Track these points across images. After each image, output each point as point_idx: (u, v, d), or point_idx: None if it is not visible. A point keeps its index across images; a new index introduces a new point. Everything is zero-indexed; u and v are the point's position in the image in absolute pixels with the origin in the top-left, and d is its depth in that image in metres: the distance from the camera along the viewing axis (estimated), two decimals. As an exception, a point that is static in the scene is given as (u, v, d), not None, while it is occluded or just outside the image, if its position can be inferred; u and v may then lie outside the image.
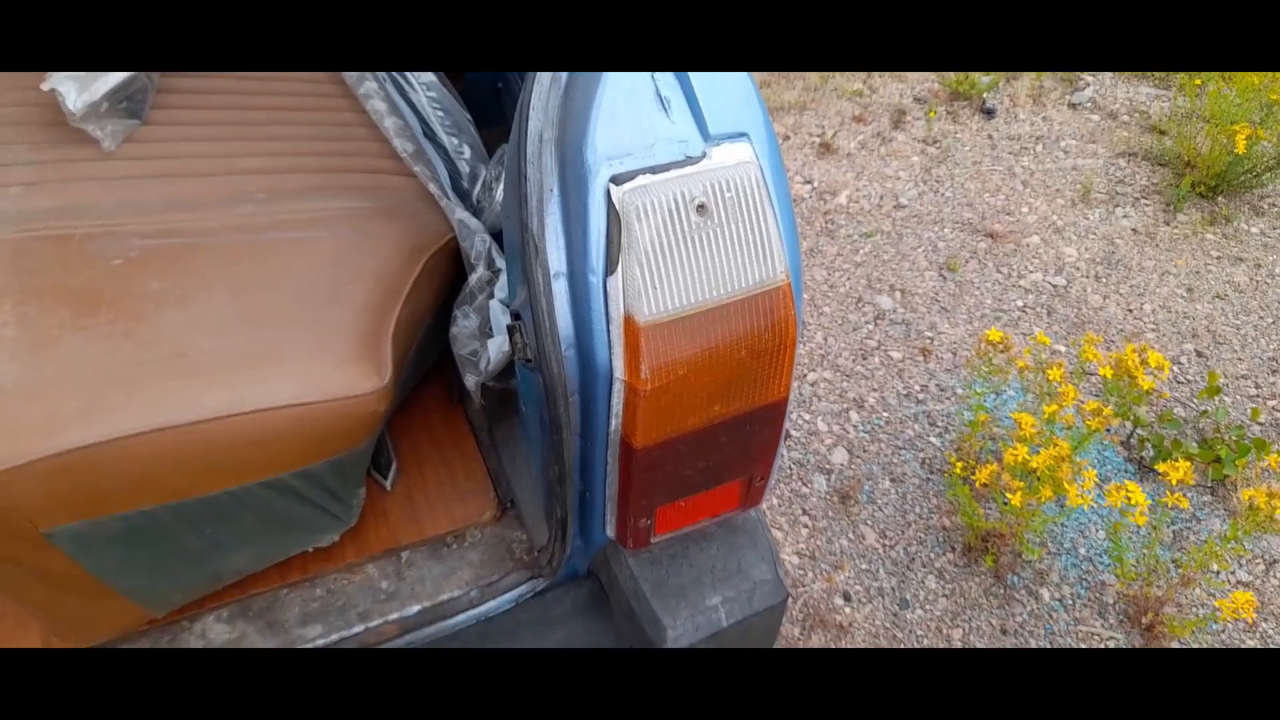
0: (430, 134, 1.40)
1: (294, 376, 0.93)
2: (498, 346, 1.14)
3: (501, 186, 1.28)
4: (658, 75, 0.89)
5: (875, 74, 3.47)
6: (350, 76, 1.42)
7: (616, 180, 0.85)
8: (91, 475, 0.85)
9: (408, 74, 1.47)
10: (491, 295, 1.20)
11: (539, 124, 0.87)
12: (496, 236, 1.25)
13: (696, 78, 0.88)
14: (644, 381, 0.86)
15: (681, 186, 0.85)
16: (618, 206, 0.84)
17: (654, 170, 0.85)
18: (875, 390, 2.41)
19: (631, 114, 0.87)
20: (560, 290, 0.87)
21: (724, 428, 0.95)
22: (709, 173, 0.87)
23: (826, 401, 2.38)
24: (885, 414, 2.36)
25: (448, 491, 1.20)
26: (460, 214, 1.24)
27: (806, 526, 2.14)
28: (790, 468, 2.23)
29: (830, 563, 2.04)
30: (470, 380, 1.14)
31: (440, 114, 1.44)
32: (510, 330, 0.94)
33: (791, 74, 3.42)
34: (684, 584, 1.05)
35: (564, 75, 0.89)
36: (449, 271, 1.20)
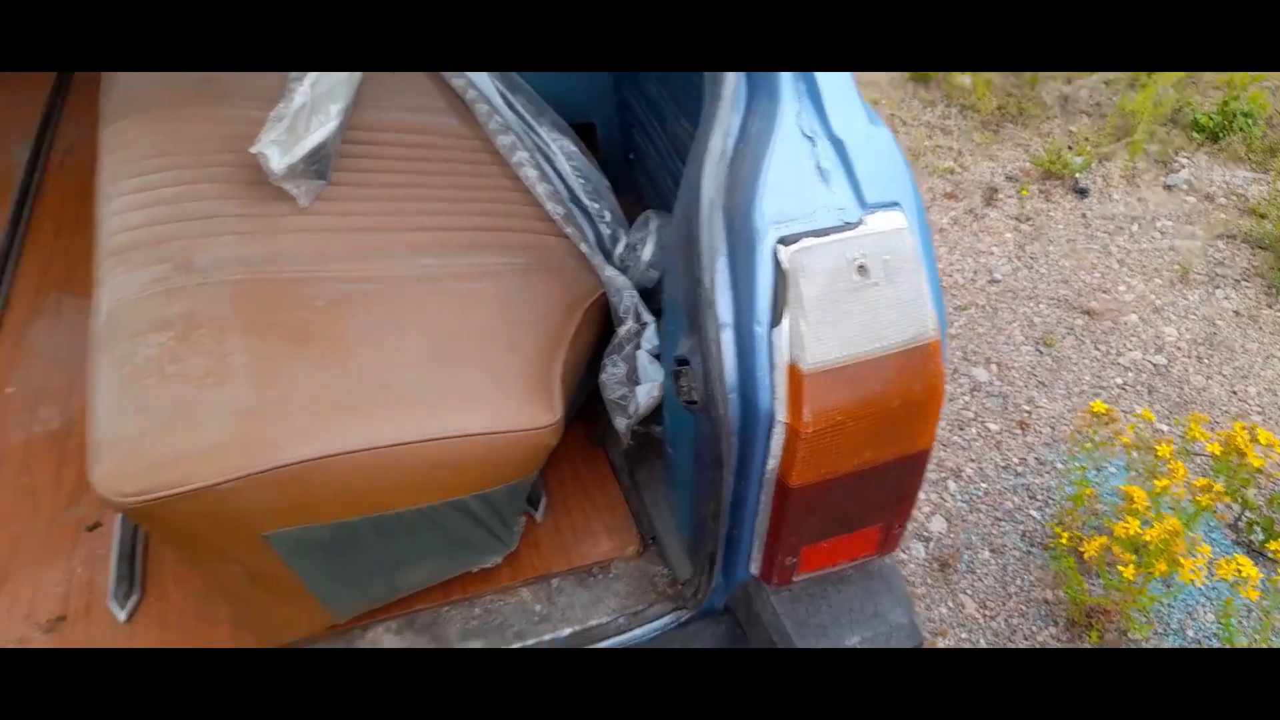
0: (575, 199, 1.53)
1: (482, 409, 1.04)
2: (646, 392, 1.23)
3: (648, 248, 1.39)
4: (818, 148, 0.99)
5: (966, 153, 3.55)
6: (503, 145, 1.56)
7: (784, 242, 0.94)
8: (308, 487, 0.96)
9: (551, 145, 1.61)
10: (638, 346, 1.30)
11: (710, 193, 0.97)
12: (642, 293, 1.36)
13: (854, 151, 0.98)
14: (805, 425, 0.94)
15: (843, 249, 0.94)
16: (785, 266, 0.94)
17: (817, 234, 0.95)
18: (973, 461, 2.43)
19: (795, 184, 0.97)
20: (728, 340, 0.96)
21: (873, 473, 1.02)
22: (867, 237, 0.96)
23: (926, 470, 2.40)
24: (984, 485, 2.37)
25: (593, 525, 1.28)
26: (609, 272, 1.35)
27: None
28: (888, 533, 2.25)
29: (930, 629, 2.05)
30: (620, 423, 1.24)
31: (582, 181, 1.57)
32: (676, 375, 1.03)
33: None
34: (824, 623, 1.10)
35: (730, 149, 0.99)
36: (599, 323, 1.31)
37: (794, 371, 0.94)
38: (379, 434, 0.98)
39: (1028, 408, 2.56)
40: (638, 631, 1.15)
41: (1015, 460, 2.43)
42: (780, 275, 0.94)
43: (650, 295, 1.37)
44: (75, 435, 1.43)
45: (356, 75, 1.48)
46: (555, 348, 1.17)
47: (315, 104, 1.35)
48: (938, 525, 2.28)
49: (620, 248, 1.46)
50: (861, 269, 0.95)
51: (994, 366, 2.68)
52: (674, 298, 1.07)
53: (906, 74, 3.97)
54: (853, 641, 1.09)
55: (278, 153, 1.30)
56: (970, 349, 2.74)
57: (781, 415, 0.96)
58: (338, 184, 1.38)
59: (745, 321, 0.96)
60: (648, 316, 1.31)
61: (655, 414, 1.27)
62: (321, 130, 1.36)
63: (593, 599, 1.20)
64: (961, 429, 2.51)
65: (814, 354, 0.93)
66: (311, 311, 1.12)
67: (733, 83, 1.01)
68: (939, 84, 3.94)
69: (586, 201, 1.54)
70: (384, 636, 1.16)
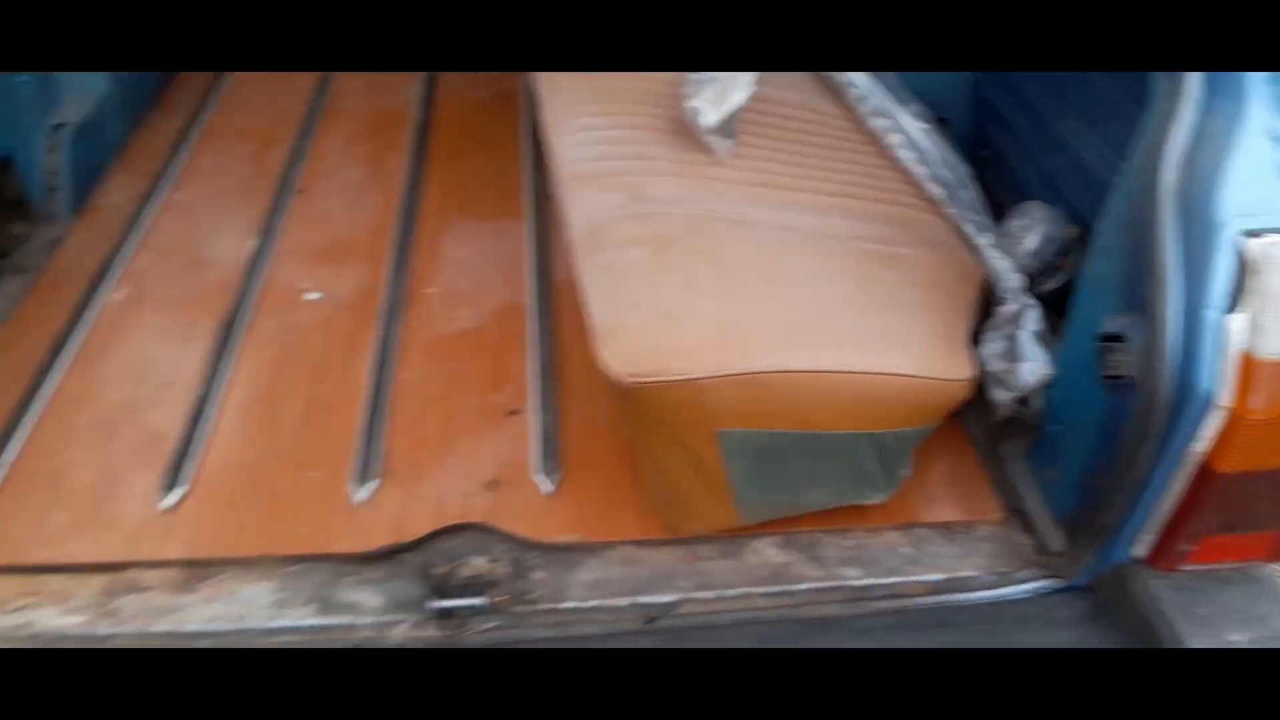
0: (945, 183, 1.62)
1: (910, 355, 1.17)
2: (1031, 371, 1.30)
3: (1033, 238, 1.47)
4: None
5: None
6: (876, 127, 1.66)
7: (1249, 234, 1.00)
8: (767, 395, 1.11)
9: (917, 133, 1.70)
10: (1018, 327, 1.37)
11: (1170, 182, 1.04)
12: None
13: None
14: (1252, 412, 1.00)
15: (1310, 249, 0.99)
16: (1252, 257, 1.00)
17: (1284, 231, 1.00)
18: None
19: (1258, 181, 1.03)
20: (1175, 320, 1.03)
21: (1298, 476, 1.06)
22: (1335, 240, 1.00)
23: None
24: None
25: (953, 489, 1.39)
26: (993, 253, 1.43)
27: None
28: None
29: None
30: (1002, 395, 1.32)
31: (948, 170, 1.66)
32: (1102, 350, 1.11)
33: None
34: (1206, 616, 1.16)
35: (1190, 127, 1.05)
36: (981, 300, 1.40)
37: (1247, 359, 1.00)
38: (826, 360, 1.13)
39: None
40: (1006, 590, 1.24)
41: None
42: (1243, 266, 1.00)
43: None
44: (488, 331, 1.66)
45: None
46: (960, 313, 1.27)
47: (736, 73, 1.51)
48: None
49: (989, 236, 1.54)
50: (1330, 272, 0.99)
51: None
52: (1105, 277, 1.14)
53: None
54: (1235, 639, 1.13)
55: (710, 108, 1.46)
56: None
57: (1225, 400, 1.02)
58: (744, 145, 1.53)
59: (1194, 306, 1.02)
60: (1031, 300, 1.39)
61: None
62: (741, 94, 1.51)
63: (959, 553, 1.30)
64: None
65: (1273, 345, 0.99)
66: (751, 249, 1.27)
67: (1195, 82, 1.07)
68: None
69: (955, 187, 1.62)
70: (768, 550, 1.30)
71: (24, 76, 1.88)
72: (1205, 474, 1.06)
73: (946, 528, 1.33)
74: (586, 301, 1.17)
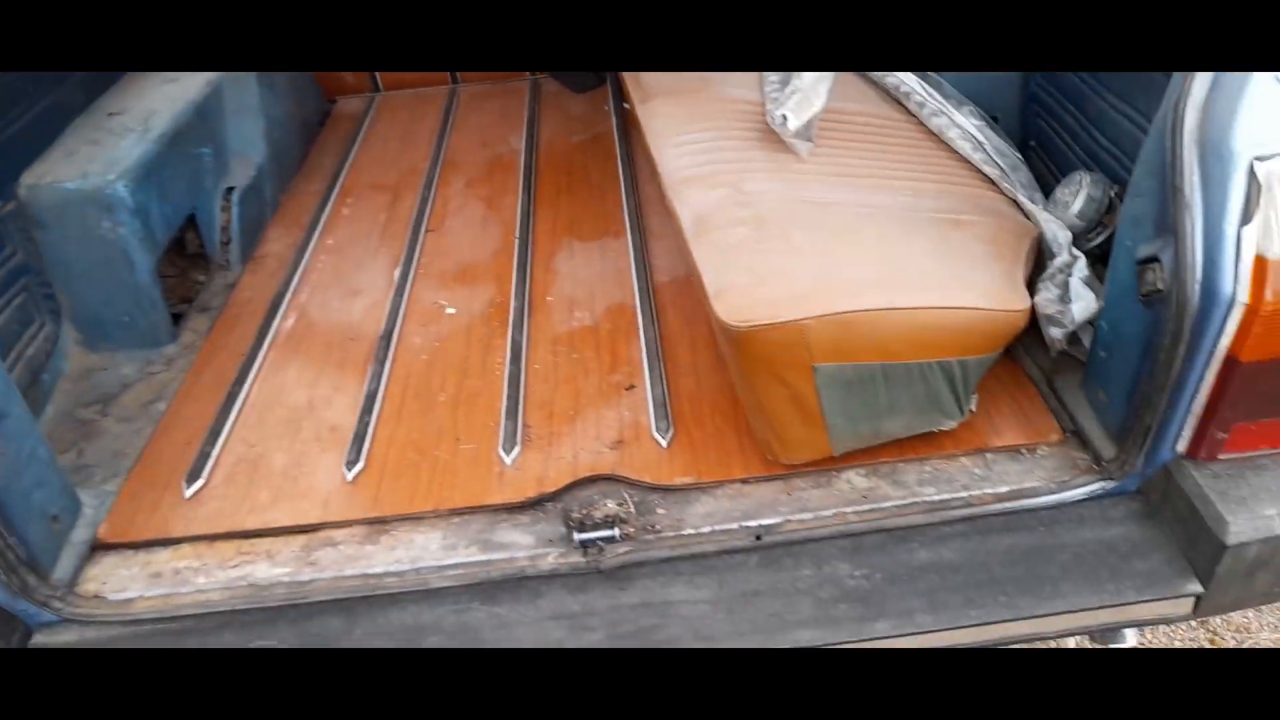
0: (1000, 166, 1.82)
1: (974, 292, 1.38)
2: (1083, 309, 1.49)
3: (1079, 200, 1.65)
4: (1287, 84, 1.21)
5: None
6: (937, 126, 1.89)
7: (1260, 159, 1.18)
8: (853, 331, 1.33)
9: (973, 128, 1.92)
10: (1069, 275, 1.56)
11: (1192, 123, 1.23)
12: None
13: (1321, 91, 1.19)
14: (1266, 303, 1.17)
15: (1312, 168, 1.16)
16: (1261, 178, 1.17)
17: (1288, 155, 1.17)
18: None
19: (1265, 117, 1.20)
20: (1199, 236, 1.20)
21: (1315, 362, 1.21)
22: (1332, 160, 1.17)
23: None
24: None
25: (1017, 418, 1.56)
26: (1044, 215, 1.62)
27: None
28: None
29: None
30: (1056, 332, 1.50)
31: (1001, 156, 1.86)
32: (1140, 273, 1.29)
33: None
34: (1244, 495, 1.30)
35: (1208, 81, 1.23)
36: (1035, 256, 1.59)
37: (1260, 260, 1.17)
38: (902, 299, 1.35)
39: None
40: (1064, 494, 1.41)
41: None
42: (1254, 184, 1.18)
43: (1076, 240, 1.63)
44: (602, 327, 1.92)
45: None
46: (1016, 261, 1.48)
47: (814, 84, 1.76)
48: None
49: (1045, 203, 1.73)
50: (1328, 186, 1.16)
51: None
52: (1139, 213, 1.33)
53: None
54: (1271, 512, 1.27)
55: (794, 115, 1.72)
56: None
57: (1243, 297, 1.19)
58: (820, 146, 1.77)
59: (1215, 223, 1.20)
60: (1079, 252, 1.57)
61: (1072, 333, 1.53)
62: (819, 102, 1.76)
63: (1024, 470, 1.48)
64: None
65: (1279, 247, 1.16)
66: (839, 221, 1.51)
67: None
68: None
69: (1008, 170, 1.83)
70: (855, 479, 1.50)
71: (206, 148, 2.26)
72: (1230, 364, 1.22)
73: (1013, 450, 1.51)
74: (700, 274, 1.42)
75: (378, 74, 3.18)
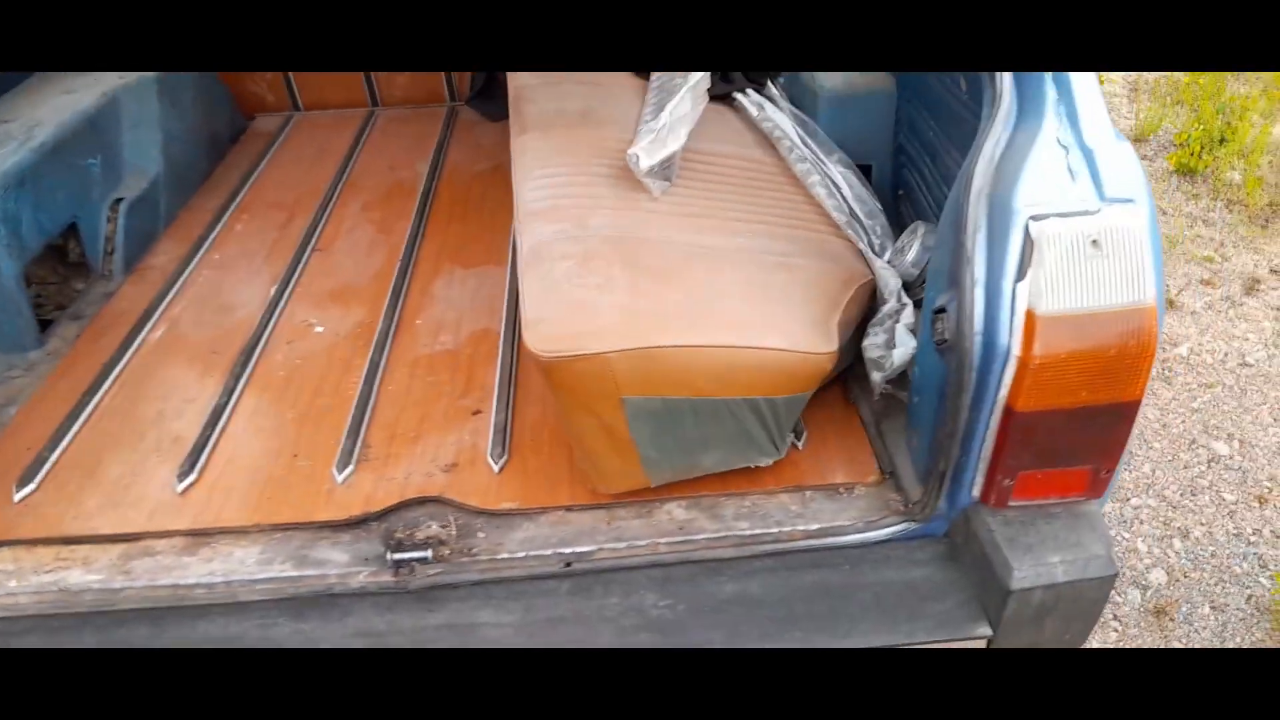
0: (854, 214, 1.88)
1: (780, 333, 1.41)
2: (901, 354, 1.53)
3: (914, 250, 1.71)
4: (1070, 155, 1.28)
5: (1228, 244, 3.56)
6: (800, 171, 1.94)
7: (1035, 219, 1.23)
8: (657, 366, 1.35)
9: (837, 175, 1.97)
10: (897, 321, 1.61)
11: (980, 184, 1.28)
12: (904, 286, 1.67)
13: (1099, 158, 1.26)
14: (1034, 357, 1.22)
15: (1081, 227, 1.22)
16: (1034, 236, 1.23)
17: (1062, 216, 1.23)
18: (1203, 525, 2.48)
19: (1048, 180, 1.26)
20: (979, 291, 1.25)
21: (1086, 413, 1.27)
22: (1102, 221, 1.23)
23: (1149, 526, 2.48)
24: (1211, 548, 2.41)
25: (841, 458, 1.59)
26: (880, 264, 1.67)
27: (1116, 631, 2.24)
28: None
29: (1141, 662, 2.13)
30: (876, 377, 1.54)
31: (860, 203, 1.92)
32: (933, 321, 1.33)
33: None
34: (1031, 543, 1.34)
35: (999, 154, 1.29)
36: (865, 302, 1.63)
37: (1030, 315, 1.22)
38: (709, 337, 1.37)
39: (1269, 484, 2.57)
40: (872, 534, 1.44)
41: (1249, 530, 2.45)
42: (1029, 243, 1.23)
43: (909, 288, 1.68)
44: (463, 351, 1.94)
45: (699, 109, 1.94)
46: (834, 306, 1.51)
47: (672, 126, 1.80)
48: (1157, 577, 2.35)
49: (888, 253, 1.79)
50: (1095, 243, 1.22)
51: (1236, 443, 2.70)
52: (939, 265, 1.38)
53: (1171, 167, 4.03)
54: (1054, 560, 1.31)
55: (646, 155, 1.76)
56: (1212, 424, 2.77)
57: (1016, 350, 1.24)
58: (678, 186, 1.81)
59: (995, 279, 1.25)
60: (907, 299, 1.62)
61: (902, 378, 1.57)
62: (675, 144, 1.81)
63: (838, 508, 1.50)
64: (1194, 495, 2.56)
65: (1048, 303, 1.21)
66: (666, 260, 1.54)
67: (1007, 104, 1.33)
68: (1206, 178, 3.97)
69: (863, 217, 1.88)
70: (676, 510, 1.52)
71: (94, 159, 2.27)
72: (1008, 414, 1.26)
73: (831, 489, 1.54)
74: (522, 304, 1.44)
75: (298, 93, 3.21)
